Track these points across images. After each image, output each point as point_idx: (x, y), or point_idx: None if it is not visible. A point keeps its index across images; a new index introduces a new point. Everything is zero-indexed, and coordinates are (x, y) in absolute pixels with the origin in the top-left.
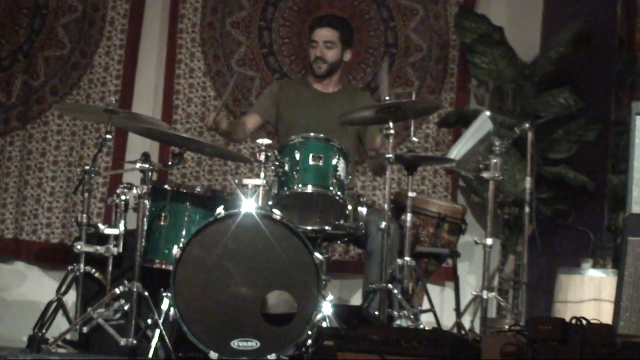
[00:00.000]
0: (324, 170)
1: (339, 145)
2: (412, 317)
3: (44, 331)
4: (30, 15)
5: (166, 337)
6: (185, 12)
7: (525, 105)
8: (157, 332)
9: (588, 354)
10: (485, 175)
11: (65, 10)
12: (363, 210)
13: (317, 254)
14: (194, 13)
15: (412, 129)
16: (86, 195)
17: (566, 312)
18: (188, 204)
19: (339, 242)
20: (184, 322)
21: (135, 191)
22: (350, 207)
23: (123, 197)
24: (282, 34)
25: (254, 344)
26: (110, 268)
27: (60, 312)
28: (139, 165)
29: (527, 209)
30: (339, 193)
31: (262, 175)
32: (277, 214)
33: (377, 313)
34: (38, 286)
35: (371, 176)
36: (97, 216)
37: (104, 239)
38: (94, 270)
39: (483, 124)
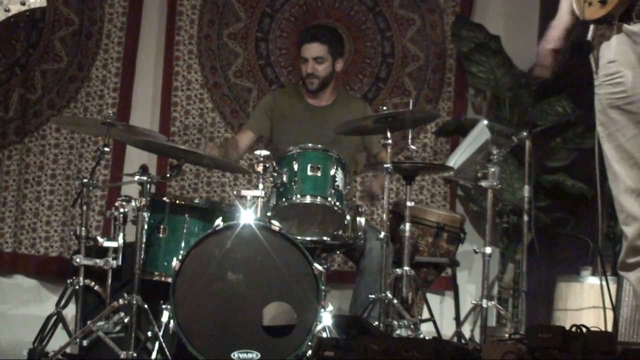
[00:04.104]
0: (322, 181)
1: (336, 156)
2: (411, 326)
3: (44, 344)
4: (27, 28)
5: (166, 349)
6: (181, 24)
7: (523, 114)
8: (157, 344)
9: None
10: (483, 183)
11: (62, 23)
12: (362, 220)
13: (316, 265)
14: (191, 25)
15: (410, 138)
16: (84, 208)
17: (566, 319)
18: (186, 215)
19: (338, 252)
20: (184, 334)
21: (133, 203)
22: (348, 217)
23: (121, 210)
24: (279, 44)
25: (254, 355)
26: (110, 281)
27: (60, 326)
28: (137, 177)
29: (525, 217)
30: (338, 203)
31: (261, 186)
32: (276, 224)
33: (376, 323)
34: (37, 300)
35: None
36: (96, 229)
37: (102, 252)
38: (93, 283)
39: (480, 133)
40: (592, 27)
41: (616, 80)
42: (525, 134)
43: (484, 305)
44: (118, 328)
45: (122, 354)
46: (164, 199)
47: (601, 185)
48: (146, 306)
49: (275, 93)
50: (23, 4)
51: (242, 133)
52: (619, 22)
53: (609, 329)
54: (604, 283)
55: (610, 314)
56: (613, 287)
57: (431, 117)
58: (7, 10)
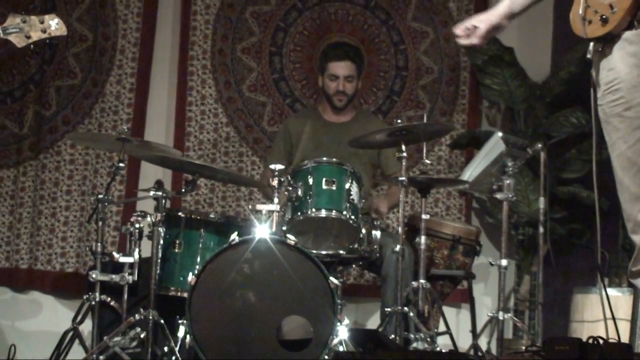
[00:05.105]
0: (337, 194)
1: (351, 169)
2: (428, 339)
3: None
4: (41, 44)
5: None
6: (195, 39)
7: (537, 126)
8: (174, 359)
9: None
10: (499, 196)
11: (76, 39)
12: (377, 233)
13: (332, 278)
14: (204, 40)
15: (424, 151)
16: (100, 223)
17: (582, 331)
18: (202, 230)
19: (354, 266)
20: (200, 349)
21: (149, 219)
22: (364, 231)
23: (137, 225)
24: (293, 58)
25: None
26: (126, 296)
27: (77, 341)
28: (152, 192)
29: (541, 229)
30: (353, 217)
31: (276, 200)
32: (291, 238)
33: (393, 336)
34: (53, 315)
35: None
36: (112, 244)
37: (118, 267)
38: (109, 299)
39: (495, 145)
40: (592, 45)
41: (614, 87)
42: (540, 145)
43: (501, 317)
44: (134, 343)
45: None
46: (180, 214)
47: (598, 198)
48: (162, 321)
49: (287, 122)
50: (44, 31)
51: (268, 171)
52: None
53: (611, 339)
54: (620, 294)
55: (625, 325)
56: (630, 299)
57: (446, 130)
58: (28, 37)
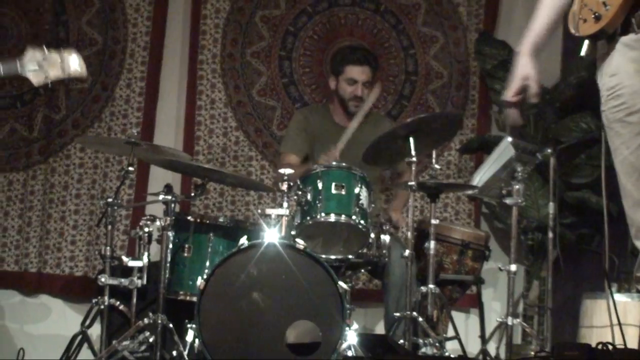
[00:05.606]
0: (347, 199)
1: (360, 174)
2: (437, 344)
3: None
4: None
5: None
6: (205, 43)
7: (547, 131)
8: None
9: None
10: (508, 201)
11: (86, 43)
12: (386, 238)
13: (341, 283)
14: (214, 44)
15: (434, 156)
16: (109, 227)
17: (592, 337)
18: (211, 234)
19: (362, 271)
20: (209, 353)
21: (158, 223)
22: (373, 235)
23: (146, 229)
24: (302, 63)
25: None
26: (135, 300)
27: (85, 345)
28: (161, 196)
29: (550, 234)
30: (362, 221)
31: (285, 204)
32: (300, 243)
33: (401, 341)
34: (62, 319)
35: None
36: (121, 248)
37: (127, 271)
38: (118, 303)
39: (505, 150)
40: (586, 43)
41: (616, 93)
42: (549, 150)
43: (510, 322)
44: (143, 347)
45: None
46: (189, 218)
47: (607, 203)
48: (171, 325)
49: (304, 112)
50: (63, 70)
51: (287, 156)
52: (618, 36)
53: (619, 345)
54: (629, 300)
55: (635, 331)
56: (639, 304)
57: (455, 121)
58: (47, 77)
